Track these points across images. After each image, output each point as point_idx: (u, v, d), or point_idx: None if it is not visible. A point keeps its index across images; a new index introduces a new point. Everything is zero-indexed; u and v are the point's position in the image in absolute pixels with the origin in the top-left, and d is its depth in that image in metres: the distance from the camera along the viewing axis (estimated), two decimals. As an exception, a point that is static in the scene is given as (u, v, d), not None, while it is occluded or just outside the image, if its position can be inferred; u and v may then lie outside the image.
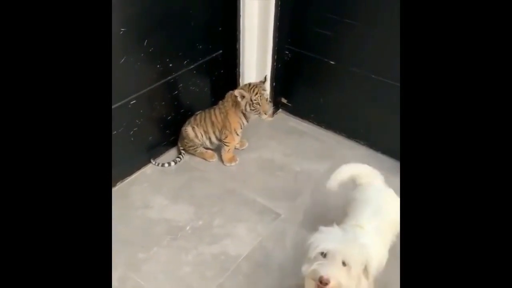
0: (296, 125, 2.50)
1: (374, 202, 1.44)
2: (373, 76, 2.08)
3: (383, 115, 2.15)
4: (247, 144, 2.31)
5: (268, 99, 2.06)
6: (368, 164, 1.60)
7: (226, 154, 2.17)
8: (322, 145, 2.33)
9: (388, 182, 1.61)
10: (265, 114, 2.04)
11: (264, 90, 2.03)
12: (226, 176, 2.14)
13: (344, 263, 1.17)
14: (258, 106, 2.00)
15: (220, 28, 2.20)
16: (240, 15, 2.15)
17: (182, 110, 2.22)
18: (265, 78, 2.07)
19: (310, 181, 2.09)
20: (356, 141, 2.33)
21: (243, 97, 2.00)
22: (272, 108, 2.10)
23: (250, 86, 2.02)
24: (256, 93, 1.99)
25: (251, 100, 2.00)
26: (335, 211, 1.69)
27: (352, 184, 1.62)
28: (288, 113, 2.57)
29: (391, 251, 1.43)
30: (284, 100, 2.56)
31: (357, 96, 2.21)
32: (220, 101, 2.14)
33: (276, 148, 2.31)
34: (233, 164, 2.19)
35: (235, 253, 1.74)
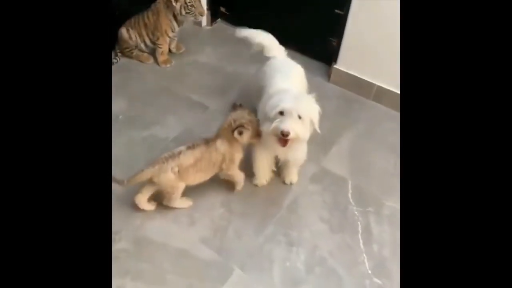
0: (233, 34, 2.57)
1: (284, 70, 1.63)
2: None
3: (312, 22, 2.28)
4: (183, 49, 2.41)
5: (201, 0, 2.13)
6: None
7: (160, 56, 2.28)
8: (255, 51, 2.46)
9: (316, 82, 1.98)
10: (201, 16, 2.13)
11: None
12: (161, 76, 2.27)
13: (299, 117, 1.38)
14: (193, 8, 2.08)
15: None
16: None
17: (117, 13, 2.27)
18: None
19: (239, 80, 2.25)
20: (288, 47, 2.45)
21: (177, 0, 2.07)
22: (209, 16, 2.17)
23: None
24: None
25: (186, 3, 2.07)
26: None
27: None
28: (227, 23, 2.66)
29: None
30: (222, 9, 2.63)
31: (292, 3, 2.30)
32: (153, 3, 2.20)
33: (211, 53, 2.43)
34: (168, 66, 2.31)
35: (164, 136, 1.92)
